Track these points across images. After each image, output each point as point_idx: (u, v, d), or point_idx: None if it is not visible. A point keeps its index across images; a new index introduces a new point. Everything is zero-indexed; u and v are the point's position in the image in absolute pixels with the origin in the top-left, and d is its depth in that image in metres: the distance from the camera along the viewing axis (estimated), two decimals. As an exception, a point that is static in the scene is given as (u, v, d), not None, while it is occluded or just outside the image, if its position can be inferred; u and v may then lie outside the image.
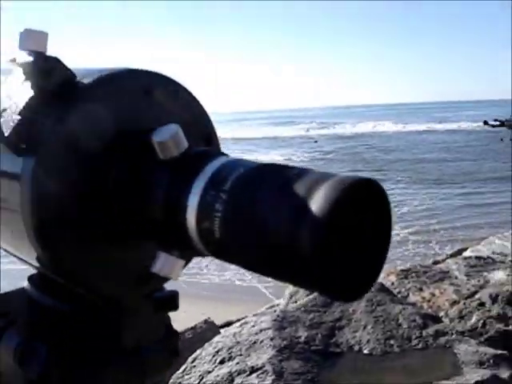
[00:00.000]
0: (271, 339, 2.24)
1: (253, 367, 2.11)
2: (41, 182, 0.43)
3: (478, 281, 3.00)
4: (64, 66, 0.45)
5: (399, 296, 2.90)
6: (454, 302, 2.77)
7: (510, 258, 3.41)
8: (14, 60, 0.45)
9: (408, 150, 23.35)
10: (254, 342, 2.23)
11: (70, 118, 0.44)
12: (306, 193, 0.34)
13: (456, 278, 3.12)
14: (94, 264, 0.47)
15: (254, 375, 2.10)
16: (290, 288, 3.73)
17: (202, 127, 0.52)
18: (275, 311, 2.49)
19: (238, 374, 2.11)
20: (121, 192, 0.45)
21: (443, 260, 3.48)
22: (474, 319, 2.63)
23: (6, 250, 0.53)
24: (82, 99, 0.45)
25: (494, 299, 2.76)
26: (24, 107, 0.44)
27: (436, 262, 3.47)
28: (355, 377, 2.18)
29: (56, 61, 0.44)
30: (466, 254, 3.57)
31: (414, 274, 3.15)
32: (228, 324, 3.31)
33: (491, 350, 2.35)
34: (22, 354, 0.48)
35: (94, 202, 0.45)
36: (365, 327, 2.51)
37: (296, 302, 3.29)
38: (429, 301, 2.84)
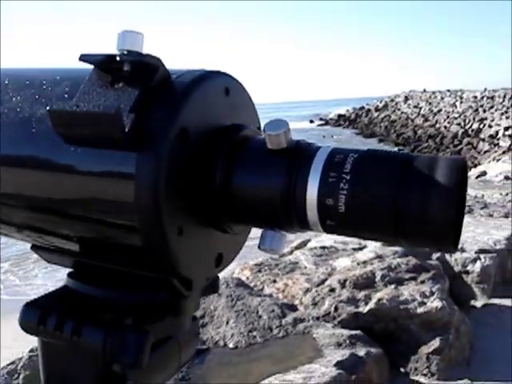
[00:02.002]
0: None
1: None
2: (160, 173, 0.46)
3: (326, 269, 3.17)
4: (164, 65, 0.48)
5: (255, 289, 2.98)
6: (307, 290, 2.91)
7: (350, 246, 3.64)
8: (113, 59, 0.48)
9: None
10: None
11: (182, 114, 0.48)
12: (427, 171, 0.42)
13: (305, 267, 3.27)
14: (193, 249, 0.52)
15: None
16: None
17: (257, 123, 0.59)
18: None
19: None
20: (227, 178, 0.49)
21: (290, 252, 3.62)
22: (326, 304, 2.77)
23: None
24: (185, 97, 0.48)
25: (342, 284, 2.93)
26: (134, 104, 0.46)
27: (283, 255, 3.60)
28: (224, 370, 2.21)
29: (158, 60, 0.48)
30: (311, 244, 3.75)
31: (266, 268, 3.25)
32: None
33: (346, 331, 2.51)
34: (115, 346, 0.50)
35: (201, 191, 0.49)
36: (227, 322, 2.55)
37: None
38: (283, 291, 2.95)
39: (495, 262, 3.59)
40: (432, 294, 2.85)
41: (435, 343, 2.65)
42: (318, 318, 2.69)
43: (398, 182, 0.43)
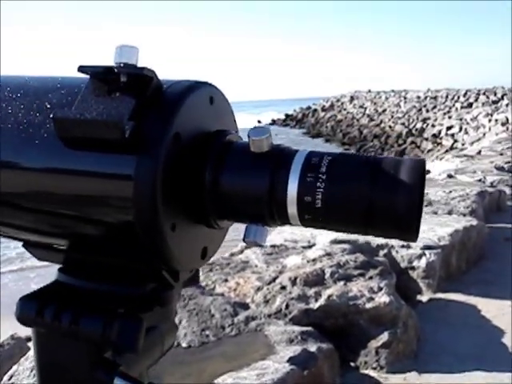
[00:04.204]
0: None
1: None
2: (157, 174, 0.51)
3: (277, 267, 3.20)
4: (157, 76, 0.54)
5: (207, 289, 2.99)
6: (258, 289, 2.94)
7: (300, 244, 3.69)
8: (111, 71, 0.53)
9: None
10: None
11: (175, 121, 0.53)
12: (394, 171, 0.50)
13: (256, 266, 3.30)
14: (184, 243, 0.57)
15: None
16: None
17: (236, 128, 0.64)
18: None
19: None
20: (216, 179, 0.54)
21: (241, 251, 3.64)
22: (278, 302, 2.81)
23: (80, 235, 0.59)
24: (177, 105, 0.54)
25: (293, 282, 2.97)
26: (132, 112, 0.52)
27: (233, 254, 3.62)
28: (178, 370, 2.22)
29: (153, 72, 0.53)
30: (262, 243, 3.78)
31: (218, 267, 3.26)
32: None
33: (297, 328, 2.55)
34: (113, 333, 0.55)
35: (192, 190, 0.55)
36: (180, 322, 2.56)
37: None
38: (235, 290, 2.97)
39: (440, 258, 3.70)
40: (380, 289, 2.92)
41: (384, 337, 2.72)
42: (269, 316, 2.72)
43: (369, 181, 0.50)
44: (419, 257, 3.66)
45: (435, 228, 4.08)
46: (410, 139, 27.26)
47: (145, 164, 0.51)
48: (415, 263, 3.66)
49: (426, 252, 3.67)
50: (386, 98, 40.44)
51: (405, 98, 38.17)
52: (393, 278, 3.16)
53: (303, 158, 0.53)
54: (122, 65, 0.52)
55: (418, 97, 36.96)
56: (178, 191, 0.54)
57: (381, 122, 33.16)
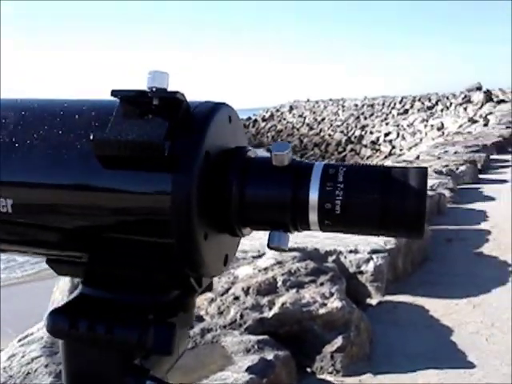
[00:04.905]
0: (45, 366, 2.15)
1: (33, 397, 2.01)
2: (192, 190, 0.56)
3: (229, 278, 3.21)
4: (186, 99, 0.58)
5: (160, 303, 2.97)
6: (212, 300, 2.94)
7: (250, 254, 3.71)
8: (144, 94, 0.57)
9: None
10: (28, 373, 2.12)
11: (205, 141, 0.58)
12: (403, 179, 0.56)
13: (208, 278, 3.30)
14: (213, 251, 0.61)
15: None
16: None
17: (246, 143, 0.69)
18: (42, 338, 2.38)
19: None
20: (242, 191, 0.59)
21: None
22: (232, 313, 2.82)
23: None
24: (206, 126, 0.59)
25: (246, 292, 2.99)
26: (167, 134, 0.56)
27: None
28: None
29: (183, 95, 0.57)
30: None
31: (170, 280, 3.25)
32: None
33: (253, 337, 2.57)
34: (149, 339, 0.59)
35: (220, 202, 0.60)
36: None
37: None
38: (189, 303, 2.97)
39: (387, 261, 3.78)
40: (331, 294, 2.97)
41: (338, 341, 2.76)
42: (224, 327, 2.73)
43: (381, 188, 0.56)
44: (367, 261, 3.74)
45: (381, 232, 4.17)
46: (349, 147, 27.77)
47: (181, 181, 0.56)
48: (363, 267, 3.73)
49: (374, 256, 3.75)
50: (325, 107, 41.07)
51: (343, 106, 38.86)
52: (343, 283, 3.22)
53: (321, 170, 0.59)
54: (154, 89, 0.56)
55: (356, 105, 37.70)
56: (208, 204, 0.59)
57: (320, 130, 33.64)
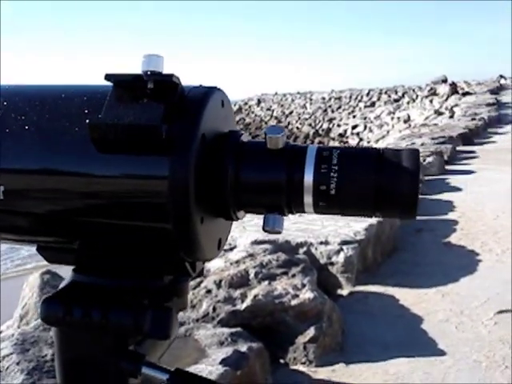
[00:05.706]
0: (17, 363, 2.12)
1: (4, 395, 1.98)
2: (189, 173, 0.56)
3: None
4: (181, 83, 0.58)
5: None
6: (184, 294, 2.93)
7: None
8: (139, 78, 0.56)
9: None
10: (0, 371, 2.09)
11: (201, 124, 0.58)
12: (395, 160, 0.57)
13: (180, 271, 3.29)
14: (209, 235, 0.61)
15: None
16: (18, 311, 3.52)
17: (236, 127, 0.69)
18: (13, 335, 2.34)
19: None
20: (237, 174, 0.59)
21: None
22: (204, 306, 2.81)
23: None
24: (201, 109, 0.58)
25: (218, 285, 2.99)
26: (163, 117, 0.55)
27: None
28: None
29: (178, 79, 0.57)
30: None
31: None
32: None
33: (227, 330, 2.57)
34: (146, 324, 0.59)
35: (216, 185, 0.59)
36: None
37: (28, 323, 3.12)
38: (161, 297, 2.95)
39: (357, 252, 3.82)
40: (303, 286, 2.99)
41: (310, 332, 2.78)
42: (197, 320, 2.73)
43: (375, 169, 0.57)
44: (337, 252, 3.77)
45: (351, 223, 4.21)
46: (317, 139, 27.90)
47: (178, 164, 0.56)
48: (334, 258, 3.76)
49: (344, 247, 3.78)
50: (293, 100, 41.19)
51: (310, 99, 39.01)
52: (314, 274, 3.24)
53: (315, 152, 0.59)
54: (149, 73, 0.55)
55: (323, 98, 37.88)
56: (204, 187, 0.59)
57: (288, 123, 33.74)
